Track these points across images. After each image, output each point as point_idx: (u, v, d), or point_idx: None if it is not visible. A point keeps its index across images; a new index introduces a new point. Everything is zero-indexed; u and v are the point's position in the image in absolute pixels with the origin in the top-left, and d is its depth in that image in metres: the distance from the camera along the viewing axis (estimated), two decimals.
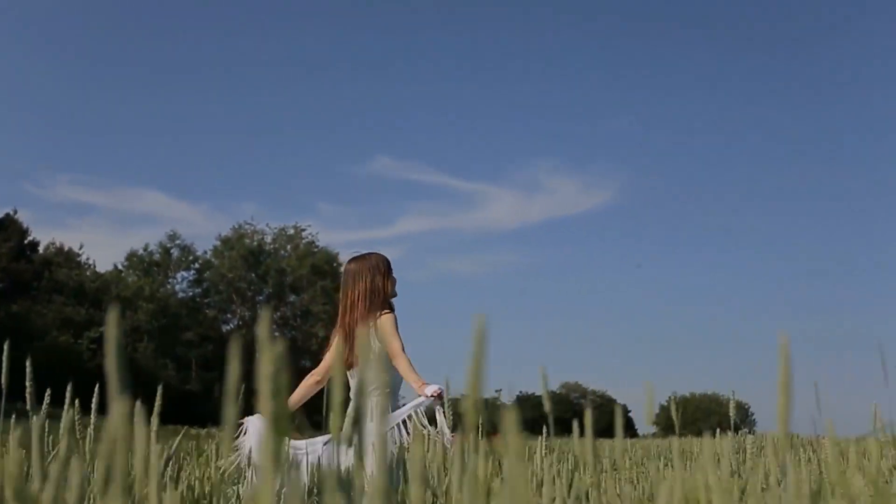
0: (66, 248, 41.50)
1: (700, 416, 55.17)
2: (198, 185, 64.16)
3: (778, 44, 64.95)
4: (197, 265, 49.19)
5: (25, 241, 38.59)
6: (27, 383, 1.96)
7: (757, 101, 65.17)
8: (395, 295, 3.45)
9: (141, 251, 48.04)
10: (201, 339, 45.23)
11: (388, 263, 3.45)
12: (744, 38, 65.87)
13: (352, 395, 3.36)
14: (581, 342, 71.17)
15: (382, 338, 3.27)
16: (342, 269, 3.56)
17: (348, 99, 64.39)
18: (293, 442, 3.13)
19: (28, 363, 1.97)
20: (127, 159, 61.55)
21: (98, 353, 35.13)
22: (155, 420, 1.81)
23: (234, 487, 2.77)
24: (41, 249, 40.14)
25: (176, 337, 43.36)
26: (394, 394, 3.39)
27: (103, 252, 61.86)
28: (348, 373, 3.35)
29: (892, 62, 61.95)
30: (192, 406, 37.45)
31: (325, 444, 3.13)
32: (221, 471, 2.83)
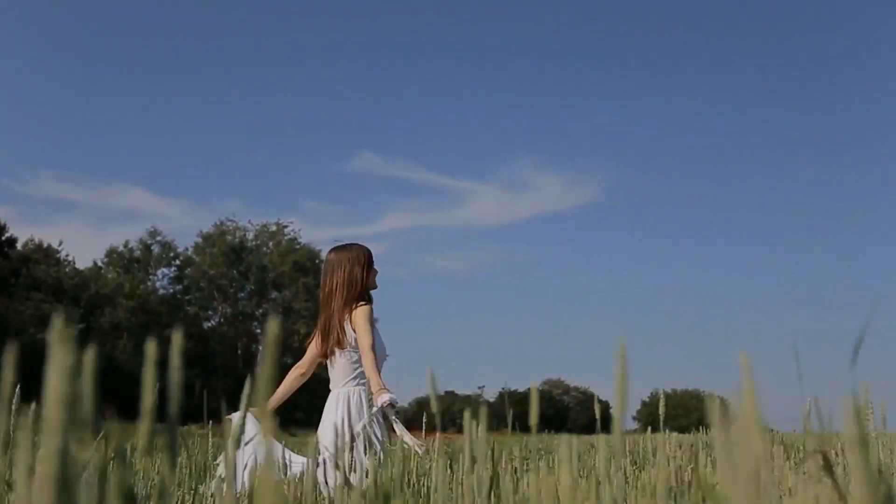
0: (45, 245, 41.12)
1: (681, 412, 55.51)
2: (181, 181, 63.84)
3: (760, 37, 65.44)
4: (178, 262, 48.91)
5: (3, 238, 38.18)
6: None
7: (740, 96, 65.65)
8: (374, 287, 3.43)
9: (121, 248, 47.71)
10: (182, 335, 44.93)
11: (369, 255, 3.44)
12: (725, 34, 66.29)
13: (331, 385, 3.37)
14: (564, 338, 71.41)
15: (356, 330, 3.26)
16: (324, 258, 3.55)
17: (333, 96, 64.24)
18: (294, 456, 3.12)
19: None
20: (109, 156, 61.11)
21: (75, 351, 34.78)
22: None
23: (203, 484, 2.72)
24: (20, 246, 39.74)
25: (156, 334, 43.04)
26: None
27: (85, 249, 61.58)
28: (327, 362, 3.37)
29: (873, 54, 62.53)
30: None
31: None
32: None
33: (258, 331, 49.99)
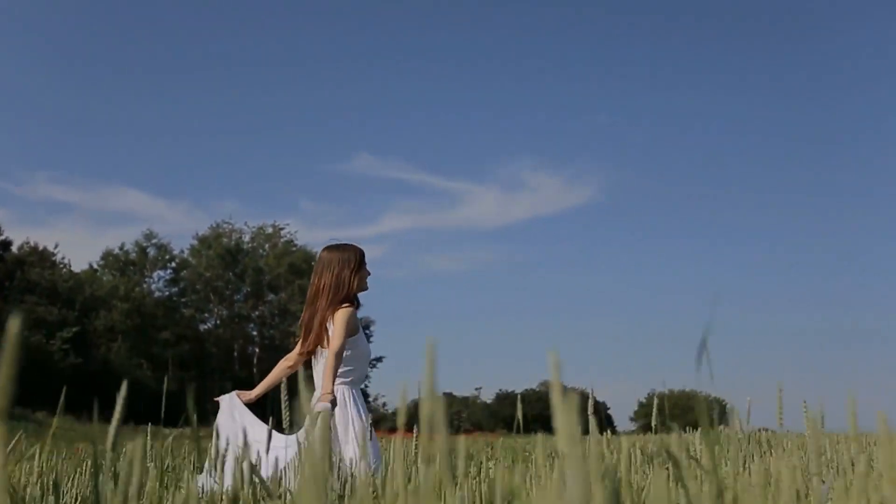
0: (40, 248, 41.02)
1: (678, 413, 55.61)
2: (178, 183, 63.67)
3: (761, 37, 65.54)
4: (174, 264, 48.86)
5: None
6: None
7: (740, 95, 65.73)
8: (363, 289, 3.44)
9: (117, 250, 47.65)
10: (178, 338, 44.91)
11: (360, 257, 3.43)
12: (724, 32, 66.38)
13: (316, 381, 3.38)
14: (563, 339, 71.49)
15: (333, 331, 3.27)
16: (318, 255, 3.56)
17: (330, 97, 64.19)
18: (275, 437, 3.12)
19: None
20: (106, 157, 60.95)
21: (70, 354, 34.76)
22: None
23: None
24: (15, 249, 39.65)
25: (152, 336, 42.99)
26: (357, 383, 3.40)
27: (82, 251, 61.42)
28: (312, 358, 3.39)
29: (875, 53, 62.70)
30: (168, 406, 37.08)
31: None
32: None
33: (254, 333, 49.97)
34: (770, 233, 66.06)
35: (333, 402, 3.12)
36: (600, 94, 66.05)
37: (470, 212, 67.11)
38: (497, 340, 71.34)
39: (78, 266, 45.62)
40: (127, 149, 61.38)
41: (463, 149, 67.80)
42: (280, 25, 63.00)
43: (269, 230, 50.71)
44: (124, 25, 59.98)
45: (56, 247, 42.17)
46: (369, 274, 3.47)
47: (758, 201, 65.78)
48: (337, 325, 3.27)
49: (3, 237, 38.59)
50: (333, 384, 3.18)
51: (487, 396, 63.59)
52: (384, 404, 52.13)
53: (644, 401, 64.24)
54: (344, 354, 3.29)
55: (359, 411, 3.29)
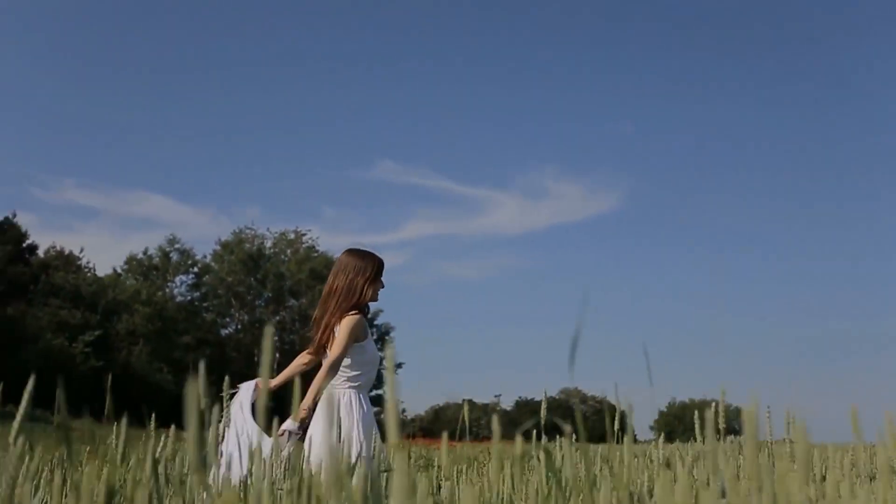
0: (66, 252, 41.47)
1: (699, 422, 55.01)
2: (203, 189, 64.16)
3: (784, 46, 65.09)
4: (196, 269, 49.18)
5: (24, 245, 38.54)
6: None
7: (763, 105, 65.24)
8: (374, 300, 3.42)
9: (140, 255, 48.05)
10: (199, 342, 45.18)
11: (377, 268, 3.42)
12: (749, 42, 66.01)
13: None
14: (582, 347, 70.98)
15: (336, 338, 3.25)
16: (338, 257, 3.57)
17: (353, 103, 64.46)
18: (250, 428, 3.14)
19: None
20: (133, 163, 61.57)
21: (91, 357, 35.05)
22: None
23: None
24: (41, 253, 40.12)
25: (173, 341, 43.28)
26: (365, 387, 3.39)
27: (107, 256, 62.02)
28: (322, 358, 3.41)
29: None
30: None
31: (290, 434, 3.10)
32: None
33: (276, 338, 50.02)
34: (794, 243, 65.44)
35: (303, 425, 3.10)
36: (624, 102, 65.90)
37: (492, 219, 67.10)
38: (518, 348, 71.17)
39: (103, 270, 46.06)
40: (153, 155, 62.03)
41: (486, 156, 67.85)
42: (307, 32, 63.44)
43: (291, 236, 50.96)
44: (154, 30, 60.62)
45: (81, 251, 42.66)
46: (383, 286, 3.45)
47: (782, 212, 65.21)
48: (340, 333, 3.27)
49: (29, 241, 39.06)
50: (317, 396, 3.17)
51: (507, 404, 63.44)
52: (403, 410, 52.12)
53: (665, 409, 63.76)
54: (352, 360, 3.29)
55: (363, 416, 3.28)
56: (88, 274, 42.28)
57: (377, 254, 3.49)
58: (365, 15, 64.05)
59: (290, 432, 3.11)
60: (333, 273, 3.41)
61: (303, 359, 3.57)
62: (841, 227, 63.84)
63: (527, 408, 59.25)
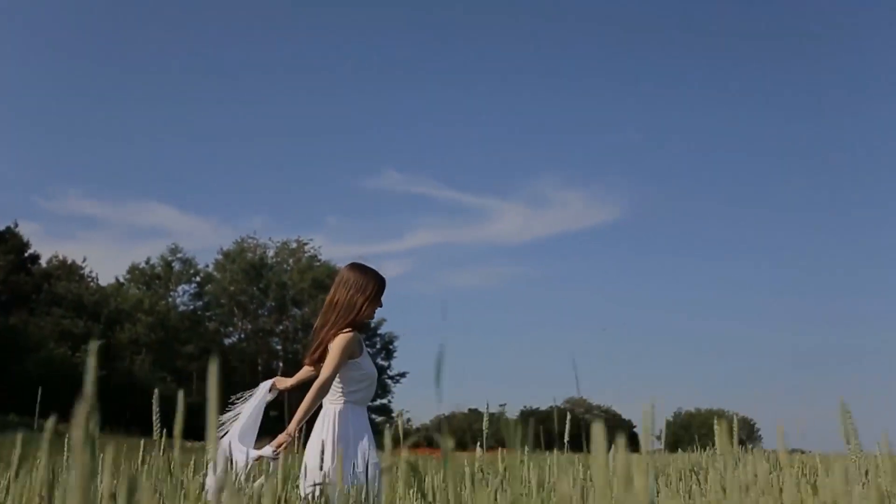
0: (69, 262, 41.54)
1: (705, 431, 55.00)
2: (207, 198, 64.16)
3: (788, 54, 65.08)
4: (198, 278, 49.23)
5: (26, 254, 38.60)
6: None
7: (770, 115, 65.21)
8: (370, 318, 3.40)
9: (143, 264, 48.11)
10: (202, 352, 45.17)
11: (378, 288, 3.38)
12: (752, 49, 66.03)
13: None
14: (588, 357, 70.93)
15: (328, 356, 3.25)
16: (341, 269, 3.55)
17: (357, 113, 64.51)
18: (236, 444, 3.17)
19: None
20: (137, 173, 61.63)
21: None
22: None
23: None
24: (44, 262, 40.18)
25: (175, 350, 43.28)
26: (363, 403, 3.37)
27: (111, 265, 62.03)
28: (313, 370, 3.41)
29: None
30: (192, 419, 37.27)
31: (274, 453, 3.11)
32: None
33: (278, 348, 50.14)
34: (799, 252, 65.33)
35: (277, 453, 3.10)
36: (628, 111, 65.87)
37: (495, 228, 67.04)
38: (522, 357, 71.04)
39: (107, 280, 46.11)
40: (157, 164, 62.10)
41: (489, 165, 67.83)
42: (311, 41, 63.60)
43: (293, 245, 51.03)
44: (159, 39, 60.84)
45: (84, 260, 42.75)
46: (381, 306, 3.43)
47: (784, 221, 65.14)
48: (332, 351, 3.24)
49: (31, 251, 39.13)
50: (302, 421, 3.17)
51: (512, 413, 63.28)
52: (408, 420, 52.06)
53: (670, 419, 63.55)
54: (349, 377, 3.28)
55: (358, 431, 3.26)
56: (91, 283, 42.33)
57: (380, 272, 3.45)
58: (370, 25, 64.24)
59: (266, 459, 3.10)
60: (335, 286, 3.39)
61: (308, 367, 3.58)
62: (847, 236, 63.76)
63: (531, 417, 59.05)
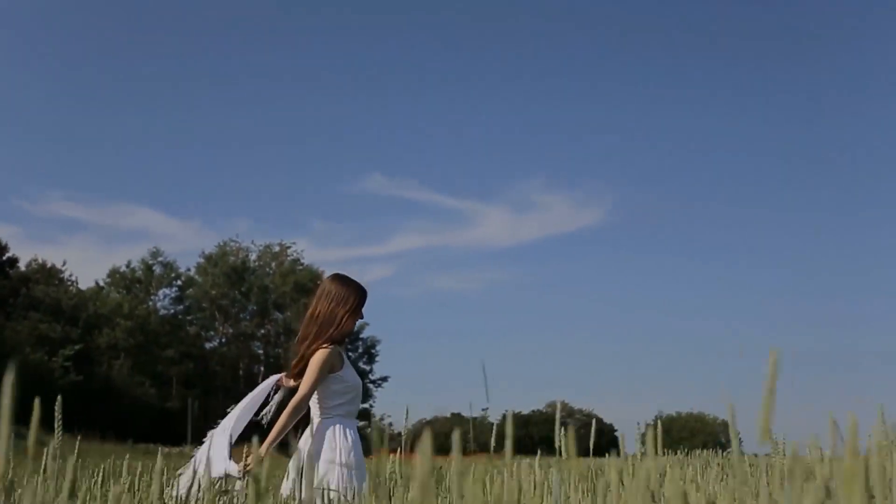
0: (48, 265, 41.13)
1: (686, 435, 55.21)
2: (190, 201, 63.87)
3: (771, 55, 65.61)
4: (179, 282, 48.89)
5: (3, 258, 38.20)
6: None
7: (750, 115, 65.70)
8: (351, 330, 3.36)
9: (123, 268, 47.73)
10: (182, 356, 44.85)
11: (359, 300, 3.34)
12: (736, 51, 66.58)
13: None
14: (570, 360, 71.17)
15: (307, 373, 3.21)
16: (322, 279, 3.52)
17: (342, 117, 64.41)
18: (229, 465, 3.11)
19: None
20: (119, 175, 61.17)
21: (71, 371, 34.69)
22: None
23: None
24: (23, 266, 39.76)
25: (155, 354, 42.95)
26: (350, 416, 3.34)
27: (93, 269, 61.57)
28: (294, 383, 3.37)
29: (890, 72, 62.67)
30: (172, 424, 37.01)
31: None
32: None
33: (260, 352, 49.88)
34: (784, 253, 65.84)
35: (242, 474, 3.05)
36: (611, 113, 66.18)
37: (480, 232, 67.14)
38: (505, 361, 71.10)
39: (88, 284, 45.71)
40: (139, 167, 61.71)
41: (473, 169, 67.97)
42: (294, 45, 63.43)
43: (276, 249, 50.79)
44: (140, 42, 60.47)
45: (64, 264, 42.33)
46: (362, 317, 3.41)
47: (772, 221, 65.63)
48: (309, 369, 3.21)
49: (9, 254, 38.71)
50: (276, 441, 3.15)
51: (494, 417, 63.26)
52: (390, 424, 51.92)
53: (651, 422, 63.58)
54: (331, 390, 3.25)
55: (349, 447, 3.23)
56: (71, 287, 41.93)
57: (362, 284, 3.42)
58: (353, 30, 64.16)
59: (232, 477, 3.05)
60: (317, 297, 3.35)
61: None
62: (832, 236, 64.34)
63: (515, 421, 59.07)
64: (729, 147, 65.90)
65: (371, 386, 49.53)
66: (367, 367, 49.76)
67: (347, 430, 3.26)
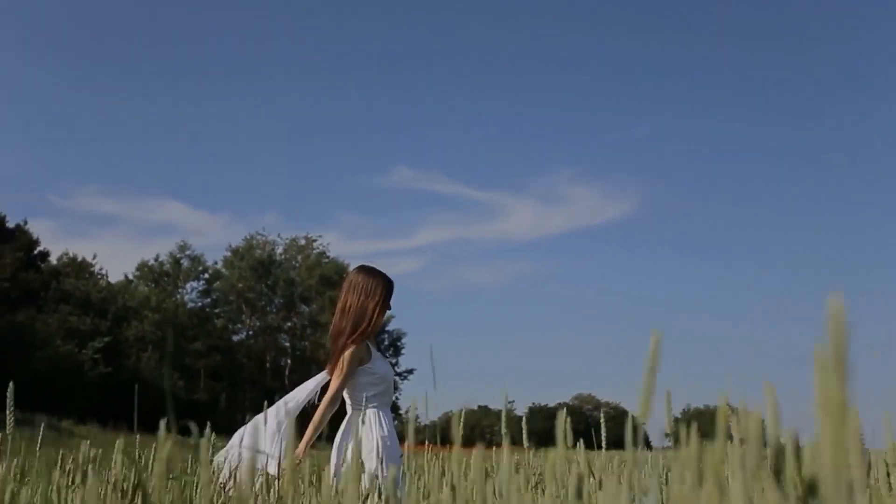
0: (79, 259, 41.66)
1: (713, 429, 54.83)
2: (219, 195, 64.47)
3: (800, 53, 64.89)
4: (207, 275, 49.32)
5: (35, 252, 38.74)
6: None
7: (779, 111, 65.03)
8: (380, 324, 3.35)
9: (152, 261, 48.23)
10: (209, 349, 45.25)
11: (388, 291, 3.33)
12: (765, 48, 65.84)
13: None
14: (597, 353, 70.97)
15: (338, 369, 3.22)
16: (349, 271, 3.50)
17: (370, 110, 64.66)
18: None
19: None
20: (150, 170, 61.98)
21: (100, 363, 35.15)
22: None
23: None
24: (54, 260, 40.32)
25: (183, 347, 43.37)
26: (385, 405, 3.34)
27: (124, 263, 62.31)
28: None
29: None
30: (200, 416, 37.32)
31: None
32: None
33: (286, 344, 50.22)
34: (811, 250, 65.09)
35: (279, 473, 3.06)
36: (640, 107, 65.83)
37: (507, 224, 67.09)
38: (532, 353, 71.02)
39: (119, 277, 46.30)
40: (171, 162, 62.44)
41: (501, 161, 67.89)
42: (323, 38, 63.65)
43: (302, 242, 51.05)
44: (171, 37, 60.95)
45: (94, 258, 42.86)
46: (390, 308, 3.40)
47: (800, 218, 64.90)
48: (342, 364, 3.23)
49: (40, 248, 39.26)
50: (312, 439, 3.15)
51: (521, 410, 63.23)
52: (417, 417, 51.98)
53: (679, 416, 63.30)
54: (363, 382, 3.26)
55: (383, 434, 3.24)
56: (101, 280, 42.44)
57: (388, 275, 3.41)
58: (381, 22, 64.28)
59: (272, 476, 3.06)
60: (345, 290, 3.33)
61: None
62: (861, 232, 63.51)
63: (540, 414, 59.07)
64: (760, 145, 65.20)
65: (397, 378, 49.52)
66: (394, 360, 49.91)
67: (383, 419, 3.28)
